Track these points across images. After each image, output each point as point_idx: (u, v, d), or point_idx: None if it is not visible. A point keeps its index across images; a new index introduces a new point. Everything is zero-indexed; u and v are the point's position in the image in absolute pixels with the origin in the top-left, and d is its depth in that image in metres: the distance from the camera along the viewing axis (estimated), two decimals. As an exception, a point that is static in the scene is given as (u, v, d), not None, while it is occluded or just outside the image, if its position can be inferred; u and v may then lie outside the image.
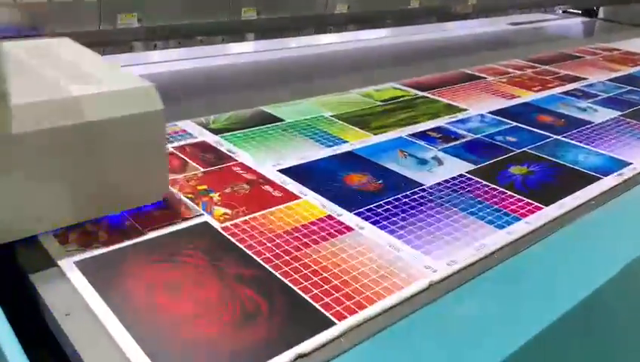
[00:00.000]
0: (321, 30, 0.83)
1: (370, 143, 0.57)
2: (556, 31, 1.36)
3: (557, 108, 0.71)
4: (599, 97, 0.77)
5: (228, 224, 0.40)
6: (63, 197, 0.36)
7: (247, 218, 0.41)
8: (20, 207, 0.35)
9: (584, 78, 0.86)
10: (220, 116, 0.61)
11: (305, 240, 0.39)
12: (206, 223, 0.40)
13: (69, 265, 0.35)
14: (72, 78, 0.39)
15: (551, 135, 0.62)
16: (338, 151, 0.54)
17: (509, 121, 0.66)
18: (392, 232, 0.41)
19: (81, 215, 0.38)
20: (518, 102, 0.73)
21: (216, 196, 0.44)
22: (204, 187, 0.46)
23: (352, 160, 0.53)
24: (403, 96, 0.73)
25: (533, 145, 0.59)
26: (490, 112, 0.68)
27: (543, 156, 0.56)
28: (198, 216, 0.41)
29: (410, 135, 0.60)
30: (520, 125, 0.65)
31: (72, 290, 0.33)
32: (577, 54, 1.03)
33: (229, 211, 0.42)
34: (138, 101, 0.38)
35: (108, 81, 0.39)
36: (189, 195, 0.44)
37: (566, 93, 0.79)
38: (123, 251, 0.37)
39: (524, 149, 0.58)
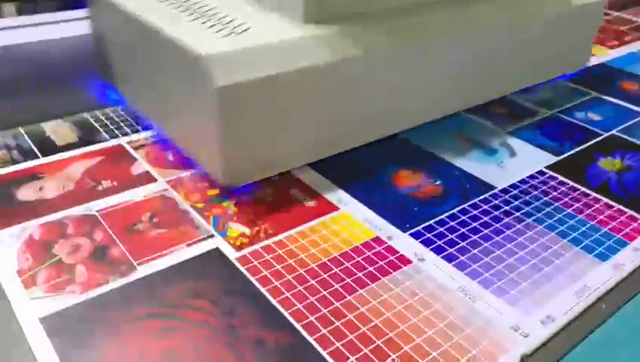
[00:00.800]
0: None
1: (420, 121, 0.46)
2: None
3: (642, 72, 0.59)
4: (690, 56, 0.64)
5: (245, 252, 0.31)
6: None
7: (270, 242, 0.32)
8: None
9: (667, 30, 0.73)
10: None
11: (348, 279, 0.29)
12: (217, 251, 0.31)
13: (32, 323, 0.26)
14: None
15: (642, 111, 0.50)
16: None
17: (587, 90, 0.54)
18: (461, 266, 0.31)
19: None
20: (593, 62, 0.61)
21: (231, 206, 0.34)
22: (217, 191, 0.36)
23: (400, 147, 0.42)
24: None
25: (622, 127, 0.47)
26: (563, 77, 0.57)
27: (638, 143, 0.45)
28: (207, 238, 0.32)
29: (469, 110, 0.48)
30: (602, 96, 0.53)
31: (32, 369, 0.24)
32: (652, -3, 0.89)
33: (246, 230, 0.33)
34: None
35: None
36: (198, 204, 0.34)
37: (649, 50, 0.66)
38: (106, 298, 0.28)
39: (612, 132, 0.46)
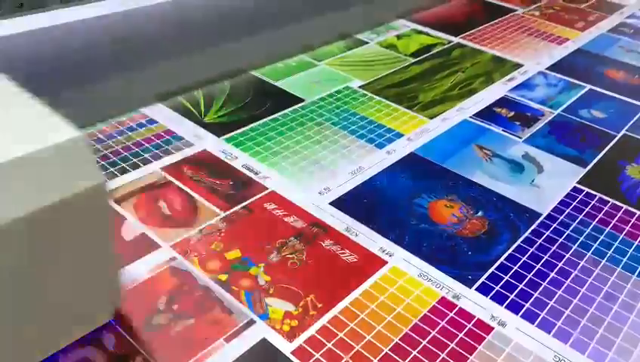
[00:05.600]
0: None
1: (432, 136, 0.41)
2: None
3: (620, 57, 0.58)
4: (655, 36, 0.64)
5: (301, 341, 0.25)
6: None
7: (324, 321, 0.26)
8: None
9: (621, 5, 0.72)
10: (209, 95, 0.43)
11: (432, 364, 0.25)
12: (265, 343, 0.25)
13: None
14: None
15: (639, 103, 0.49)
16: (397, 155, 0.39)
17: (579, 83, 0.51)
18: (546, 326, 0.27)
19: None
20: (570, 48, 0.59)
21: (261, 274, 0.28)
22: (237, 254, 0.29)
23: (422, 169, 0.37)
24: (435, 46, 0.56)
25: (629, 124, 0.45)
26: (550, 68, 0.54)
27: (653, 143, 0.43)
28: (246, 325, 0.26)
29: (475, 115, 0.44)
30: (594, 88, 0.51)
31: None
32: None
33: (291, 307, 0.27)
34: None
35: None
36: (220, 276, 0.28)
37: (615, 30, 0.65)
38: None
39: (623, 132, 0.44)
